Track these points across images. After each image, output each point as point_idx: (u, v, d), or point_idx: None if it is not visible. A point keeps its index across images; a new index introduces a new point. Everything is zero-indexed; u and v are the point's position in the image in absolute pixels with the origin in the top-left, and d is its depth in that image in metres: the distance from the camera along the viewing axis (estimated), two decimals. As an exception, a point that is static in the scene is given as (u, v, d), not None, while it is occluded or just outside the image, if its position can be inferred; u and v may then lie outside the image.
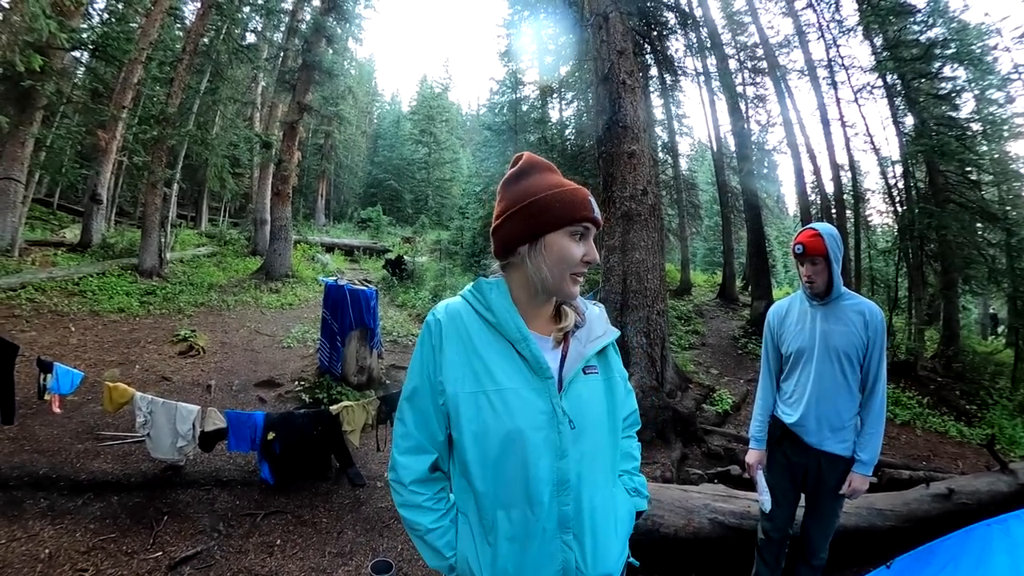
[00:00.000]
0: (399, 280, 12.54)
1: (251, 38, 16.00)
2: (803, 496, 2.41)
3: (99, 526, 2.96)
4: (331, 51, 12.89)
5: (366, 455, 4.18)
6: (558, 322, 1.13)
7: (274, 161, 12.68)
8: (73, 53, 10.67)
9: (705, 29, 12.99)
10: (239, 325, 8.20)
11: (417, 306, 10.86)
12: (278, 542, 2.99)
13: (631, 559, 1.18)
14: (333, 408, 3.76)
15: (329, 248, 17.47)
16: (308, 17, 13.72)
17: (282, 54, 15.00)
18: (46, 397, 3.38)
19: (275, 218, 12.09)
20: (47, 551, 2.70)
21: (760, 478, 2.36)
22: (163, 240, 10.28)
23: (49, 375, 3.37)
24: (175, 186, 12.20)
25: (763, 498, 2.32)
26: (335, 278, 6.27)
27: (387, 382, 6.27)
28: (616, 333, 1.21)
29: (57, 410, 3.49)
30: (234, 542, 2.95)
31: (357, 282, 6.22)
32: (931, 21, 10.79)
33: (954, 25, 11.27)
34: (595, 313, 1.20)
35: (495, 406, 1.02)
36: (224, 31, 12.82)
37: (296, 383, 5.83)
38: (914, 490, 3.41)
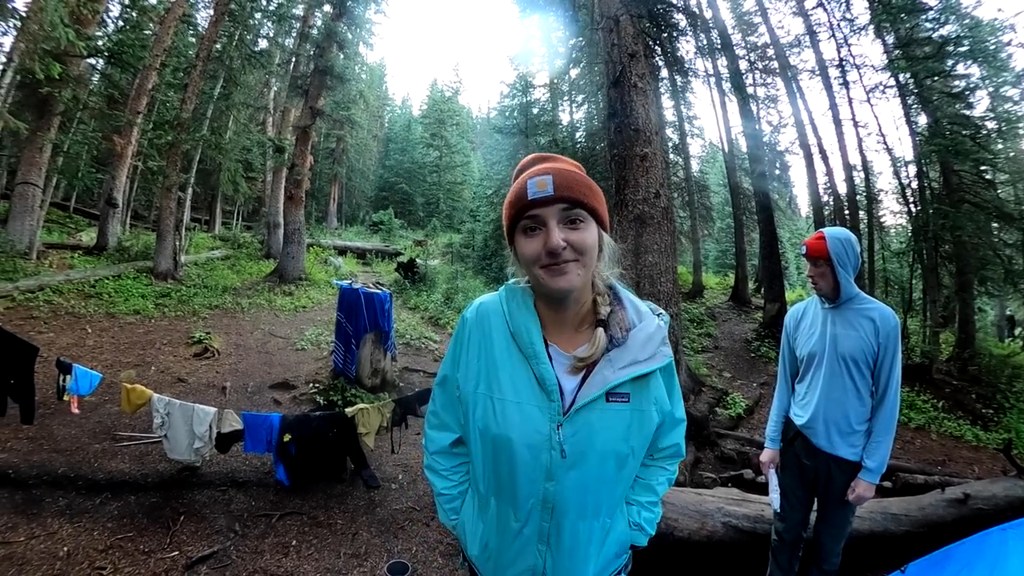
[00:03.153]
0: (411, 283, 12.58)
1: (263, 44, 16.23)
2: (816, 500, 2.41)
3: (116, 525, 3.00)
4: (342, 56, 12.99)
5: (380, 457, 4.20)
6: (592, 338, 1.04)
7: (287, 165, 12.82)
8: (89, 60, 10.85)
9: (715, 30, 12.95)
10: (253, 327, 8.27)
11: (429, 309, 10.87)
12: (293, 543, 3.01)
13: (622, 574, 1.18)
14: (348, 410, 3.78)
15: (341, 251, 17.59)
16: (319, 23, 13.86)
17: (294, 59, 15.17)
18: (65, 398, 3.42)
19: (288, 221, 12.21)
20: (65, 549, 2.74)
21: (772, 477, 2.38)
22: (178, 243, 10.40)
23: (68, 376, 3.41)
24: (189, 190, 12.34)
25: (773, 496, 2.33)
26: (349, 281, 6.30)
27: (401, 385, 6.30)
28: (666, 360, 1.06)
29: (75, 411, 3.53)
30: (250, 542, 2.97)
31: (371, 285, 6.25)
32: (943, 18, 10.60)
33: (967, 22, 11.09)
34: (647, 331, 1.06)
35: (497, 413, 1.03)
36: (237, 37, 13.01)
37: (310, 385, 5.87)
38: (929, 495, 3.38)
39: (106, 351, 6.31)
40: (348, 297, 5.82)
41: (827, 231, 2.18)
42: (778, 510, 2.35)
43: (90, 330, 6.92)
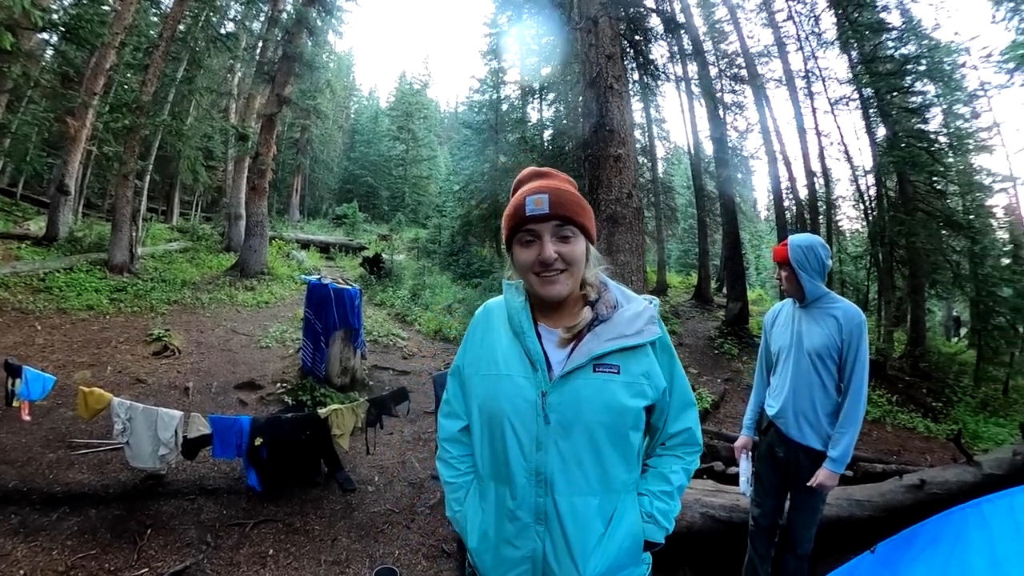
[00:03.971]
0: (377, 279, 12.40)
1: (230, 27, 15.46)
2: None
3: (77, 542, 2.79)
4: (311, 43, 12.62)
5: (355, 459, 4.11)
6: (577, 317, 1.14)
7: (251, 154, 12.38)
8: (42, 34, 10.18)
9: (687, 36, 13.17)
10: (215, 324, 7.98)
11: (396, 305, 10.75)
12: (270, 552, 2.89)
13: None
14: (322, 411, 3.68)
15: (304, 245, 17.19)
16: (290, 7, 13.41)
17: (261, 44, 14.63)
18: (15, 404, 3.19)
19: (251, 213, 11.79)
20: (22, 572, 2.54)
21: (743, 462, 2.53)
22: (134, 234, 9.91)
23: (18, 379, 3.18)
24: (147, 178, 11.76)
25: (742, 480, 2.48)
26: (318, 277, 6.13)
27: (371, 383, 6.19)
28: (655, 335, 1.12)
29: (26, 417, 3.28)
30: (224, 554, 2.83)
31: (340, 280, 6.10)
32: (905, 38, 11.28)
33: (926, 43, 11.78)
34: (634, 310, 1.13)
35: (491, 388, 1.13)
36: (203, 18, 12.40)
37: (278, 385, 5.68)
38: (888, 482, 3.59)
39: (58, 350, 5.95)
40: (317, 293, 5.65)
41: (792, 238, 2.35)
42: (745, 494, 2.50)
43: (40, 327, 6.52)
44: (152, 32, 13.09)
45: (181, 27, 11.57)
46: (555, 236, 1.08)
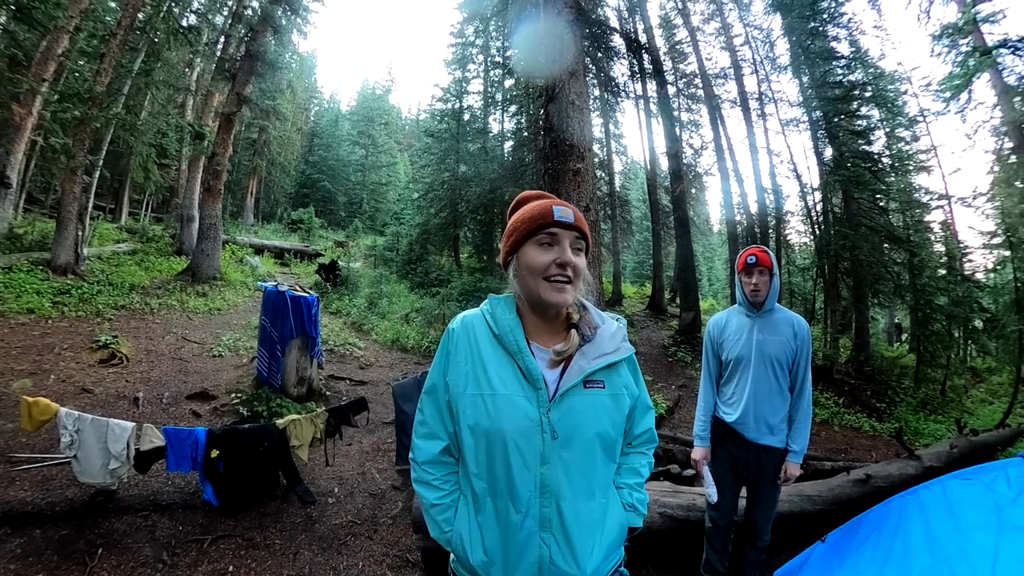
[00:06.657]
0: (333, 286, 12.18)
1: (192, 19, 14.86)
2: (744, 487, 2.68)
3: (21, 566, 2.63)
4: (275, 42, 12.33)
5: (313, 470, 4.04)
6: (567, 338, 1.20)
7: (206, 154, 11.93)
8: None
9: (648, 56, 13.57)
10: (165, 331, 7.68)
11: (352, 314, 10.60)
12: (230, 568, 2.81)
13: (622, 569, 1.27)
14: (280, 422, 3.61)
15: (258, 250, 16.63)
16: (255, 3, 12.99)
17: (223, 40, 14.12)
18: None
19: (204, 215, 11.39)
20: (-42, 598, 2.39)
21: (706, 472, 2.62)
22: (80, 233, 9.34)
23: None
24: (96, 174, 11.15)
25: (709, 491, 2.57)
26: (275, 283, 5.99)
27: (327, 393, 6.10)
28: (629, 352, 1.24)
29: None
30: (181, 572, 2.73)
31: (297, 288, 5.98)
32: (853, 66, 12.08)
33: (872, 71, 12.71)
34: (611, 330, 1.24)
35: (488, 408, 1.13)
36: (165, 8, 11.82)
37: (232, 395, 5.50)
38: (836, 477, 3.81)
39: (-7, 357, 5.59)
40: (273, 300, 5.51)
41: (764, 248, 2.50)
42: (714, 502, 2.60)
43: (-28, 332, 6.12)
44: (110, 18, 12.22)
45: (141, 16, 10.94)
46: (572, 246, 1.17)
